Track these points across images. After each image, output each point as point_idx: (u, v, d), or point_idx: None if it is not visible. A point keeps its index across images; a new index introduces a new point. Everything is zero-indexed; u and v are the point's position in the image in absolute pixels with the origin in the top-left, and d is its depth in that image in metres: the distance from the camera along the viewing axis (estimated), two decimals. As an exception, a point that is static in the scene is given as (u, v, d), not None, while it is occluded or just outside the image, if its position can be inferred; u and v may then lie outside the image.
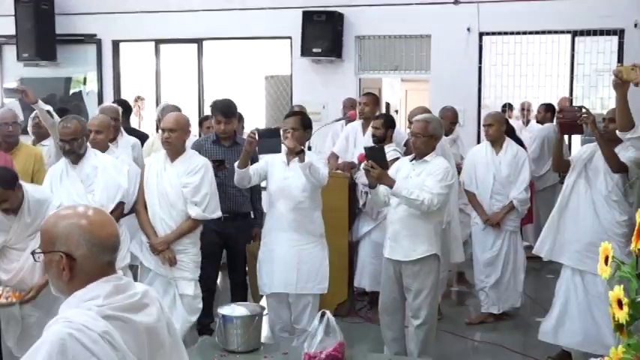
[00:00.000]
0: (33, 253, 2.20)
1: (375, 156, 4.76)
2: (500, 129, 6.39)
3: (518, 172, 6.34)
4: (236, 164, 5.01)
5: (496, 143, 6.42)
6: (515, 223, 6.48)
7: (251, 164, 5.10)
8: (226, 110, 5.70)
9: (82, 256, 2.10)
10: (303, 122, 5.08)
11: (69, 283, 2.12)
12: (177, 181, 4.94)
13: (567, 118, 5.15)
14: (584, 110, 5.07)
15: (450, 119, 7.21)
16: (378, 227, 6.38)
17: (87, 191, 4.78)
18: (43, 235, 2.16)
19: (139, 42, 11.02)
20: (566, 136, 6.70)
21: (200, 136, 7.27)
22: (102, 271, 2.14)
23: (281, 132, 4.94)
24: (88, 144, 4.99)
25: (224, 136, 5.74)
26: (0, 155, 5.31)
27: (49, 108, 5.67)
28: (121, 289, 2.15)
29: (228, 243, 5.77)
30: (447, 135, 6.79)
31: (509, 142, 6.45)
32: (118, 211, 4.82)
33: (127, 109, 7.24)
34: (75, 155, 4.84)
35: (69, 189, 4.80)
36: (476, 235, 6.55)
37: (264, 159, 5.21)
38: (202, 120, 7.80)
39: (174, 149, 4.99)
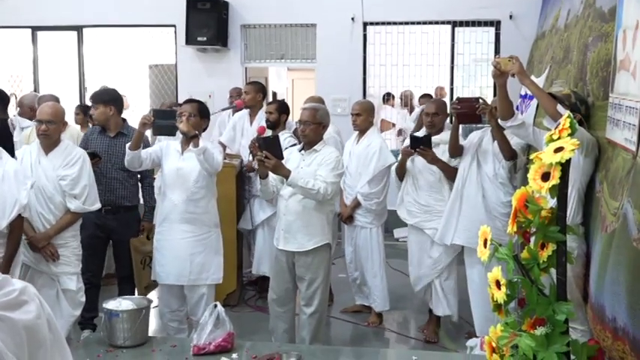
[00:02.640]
0: None
1: (270, 146, 4.63)
2: (367, 119, 6.07)
3: (367, 165, 6.00)
4: (127, 145, 4.93)
5: (361, 134, 6.11)
6: (367, 219, 6.09)
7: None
8: (94, 97, 5.63)
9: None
10: (200, 110, 5.05)
11: (-61, 283, 2.01)
12: (53, 174, 4.75)
13: (465, 109, 5.30)
14: (481, 101, 5.27)
15: (430, 110, 5.79)
16: (275, 214, 6.29)
17: None
18: None
19: (15, 29, 10.55)
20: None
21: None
22: (-24, 268, 2.04)
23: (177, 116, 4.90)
24: None
25: (106, 126, 5.60)
26: None
27: None
28: (-4, 286, 2.06)
29: (112, 236, 5.63)
30: (433, 134, 5.69)
31: (370, 133, 6.08)
32: (18, 230, 4.39)
33: (2, 99, 6.88)
34: None
35: None
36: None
37: (159, 145, 5.13)
38: None
39: (51, 141, 4.80)
